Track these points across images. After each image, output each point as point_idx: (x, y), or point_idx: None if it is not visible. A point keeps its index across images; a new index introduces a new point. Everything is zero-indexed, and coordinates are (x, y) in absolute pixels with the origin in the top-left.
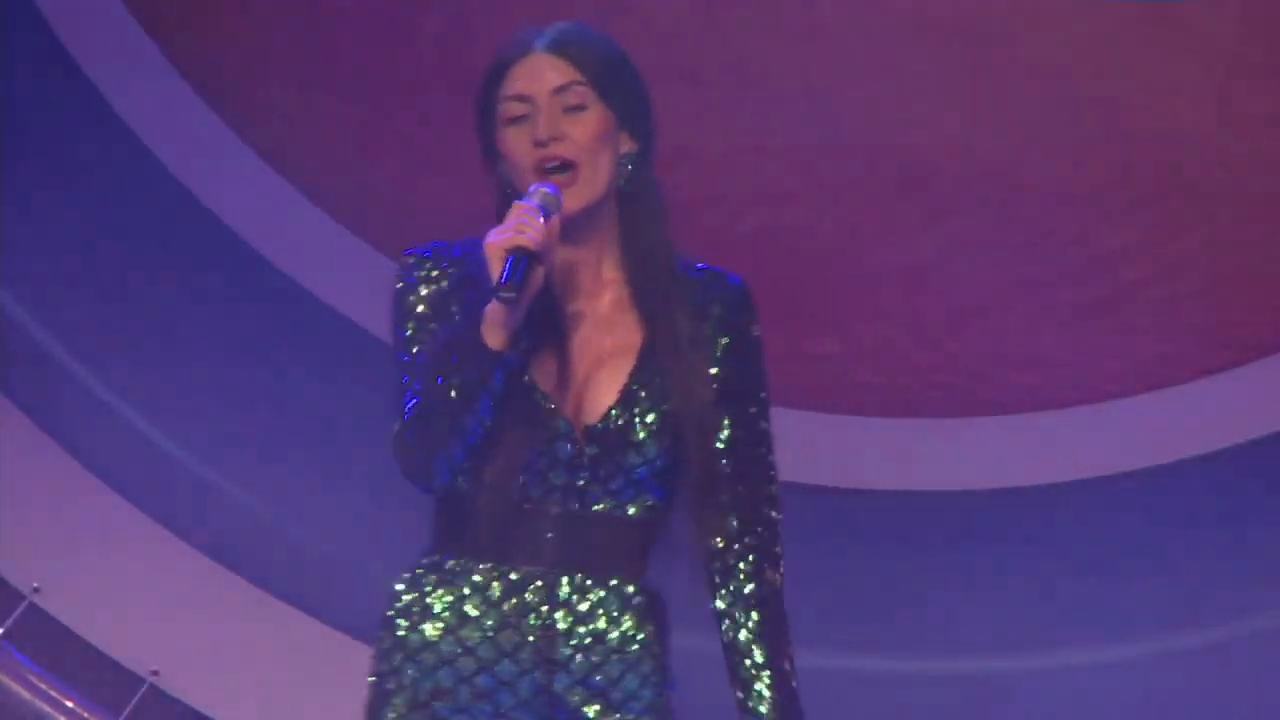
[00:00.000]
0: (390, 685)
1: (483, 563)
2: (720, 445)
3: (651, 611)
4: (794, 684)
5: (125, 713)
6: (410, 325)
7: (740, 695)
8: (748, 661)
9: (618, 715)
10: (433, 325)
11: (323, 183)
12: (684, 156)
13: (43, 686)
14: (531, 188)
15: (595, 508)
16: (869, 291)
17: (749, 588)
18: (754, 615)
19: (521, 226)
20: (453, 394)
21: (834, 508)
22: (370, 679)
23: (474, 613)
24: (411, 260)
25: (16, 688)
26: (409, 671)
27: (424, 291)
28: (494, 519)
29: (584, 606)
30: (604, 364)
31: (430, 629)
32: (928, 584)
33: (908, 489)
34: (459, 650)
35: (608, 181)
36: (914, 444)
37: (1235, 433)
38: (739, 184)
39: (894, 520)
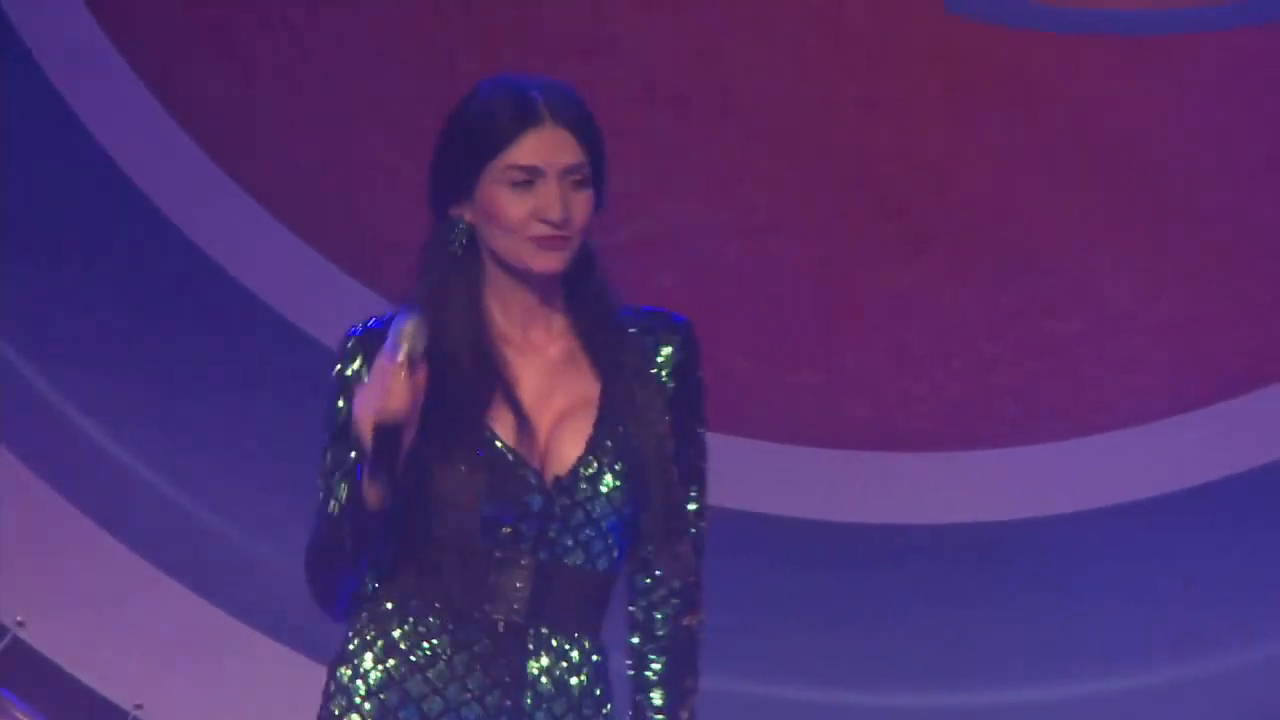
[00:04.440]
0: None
1: (450, 607)
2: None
3: (605, 668)
4: None
5: None
6: (332, 432)
7: None
8: (652, 702)
9: None
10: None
11: (315, 221)
12: (666, 187)
13: None
14: (397, 319)
15: (566, 560)
16: (852, 322)
17: (664, 631)
18: (665, 660)
19: (387, 394)
20: (337, 544)
21: (818, 541)
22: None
23: (443, 653)
24: (348, 347)
25: None
26: (368, 708)
27: (351, 391)
28: (464, 568)
29: (549, 658)
30: (565, 417)
31: (395, 663)
32: (914, 617)
33: (893, 523)
34: (427, 690)
35: (576, 254)
36: (899, 477)
37: (1222, 466)
38: (721, 215)
39: (880, 553)
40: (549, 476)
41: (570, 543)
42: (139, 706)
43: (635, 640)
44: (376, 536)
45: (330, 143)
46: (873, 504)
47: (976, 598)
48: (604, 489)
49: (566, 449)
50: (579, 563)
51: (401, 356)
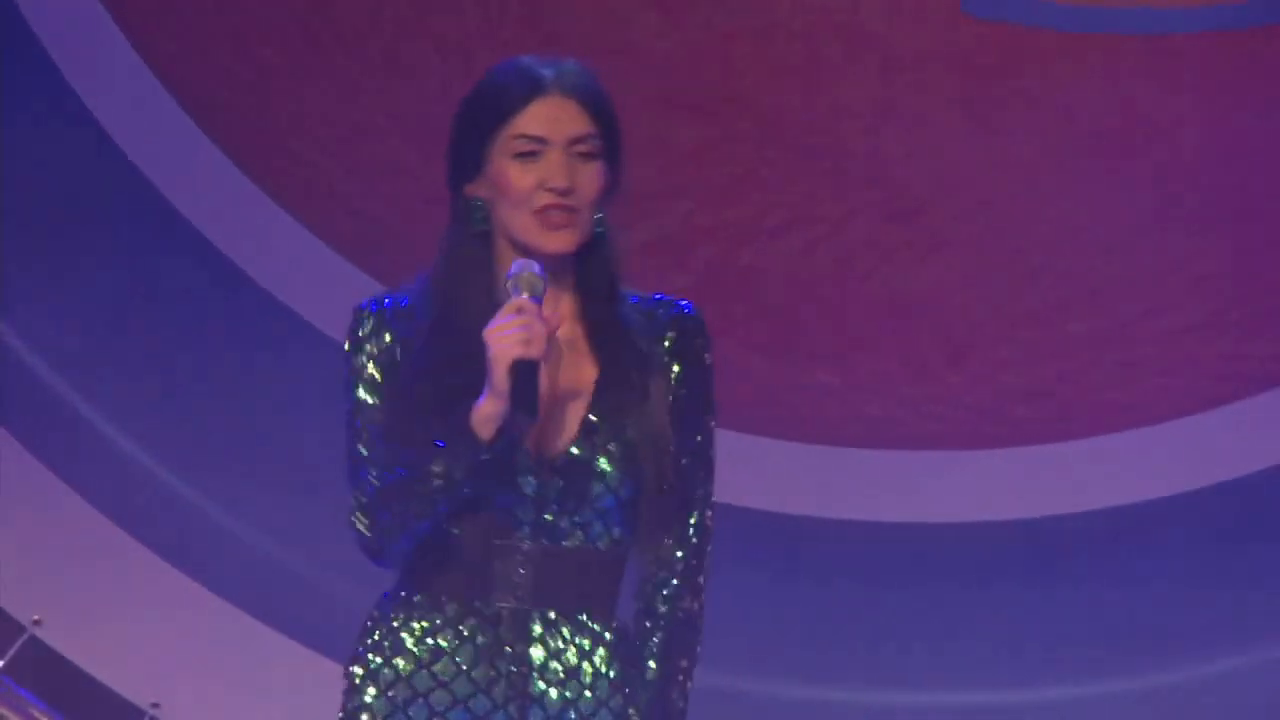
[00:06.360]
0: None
1: (454, 599)
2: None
3: (621, 648)
4: (678, 708)
5: None
6: (360, 389)
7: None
8: (645, 677)
9: None
10: (383, 391)
11: (330, 219)
12: (682, 189)
13: None
14: (516, 266)
15: (564, 542)
16: (867, 323)
17: (664, 609)
18: (662, 637)
19: (527, 337)
20: (436, 480)
21: (834, 540)
22: (339, 716)
23: (447, 647)
24: (361, 317)
25: None
26: (377, 705)
27: (374, 352)
28: (465, 557)
29: (557, 642)
30: (562, 399)
31: (403, 663)
32: (926, 617)
33: (907, 521)
34: (433, 685)
35: (592, 229)
36: (914, 476)
37: (1238, 466)
38: (736, 216)
39: (893, 553)
40: (544, 459)
41: (566, 525)
42: (156, 705)
43: (637, 617)
44: (483, 472)
45: (346, 143)
46: (889, 503)
47: (990, 597)
48: (597, 470)
49: (562, 431)
50: (578, 544)
51: (530, 291)
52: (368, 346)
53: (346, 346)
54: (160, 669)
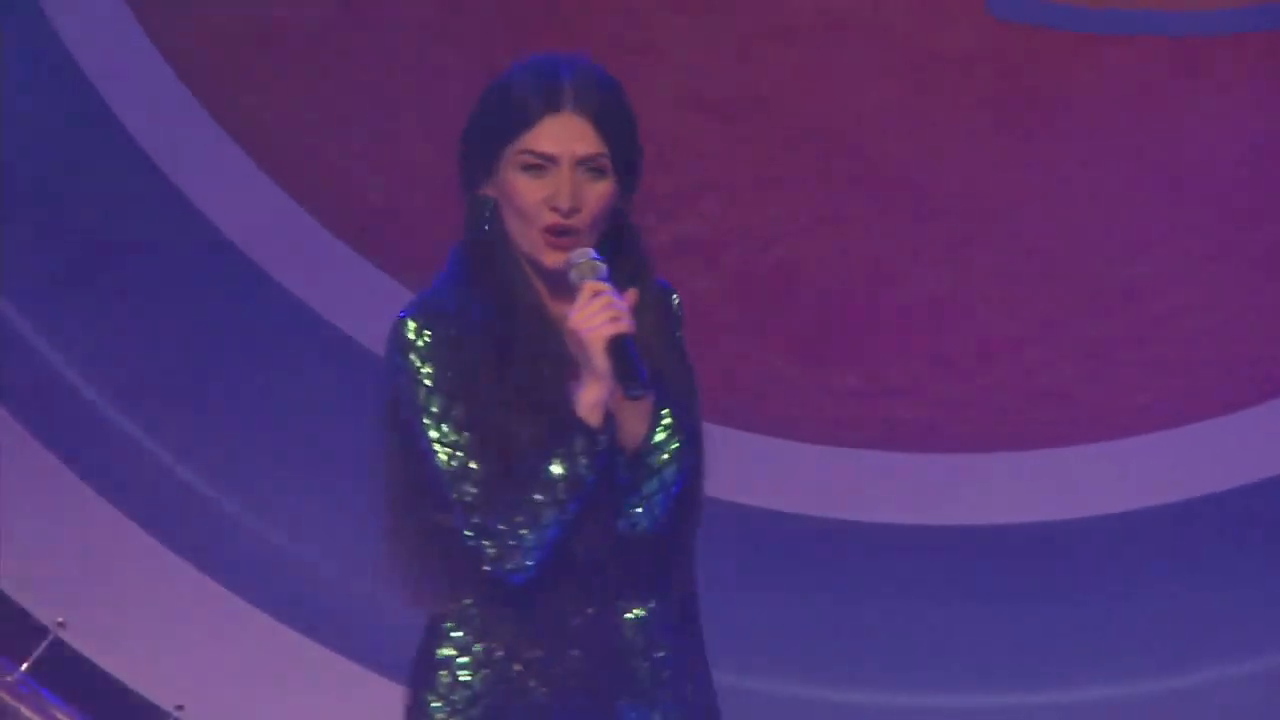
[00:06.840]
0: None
1: (539, 594)
2: None
3: (673, 628)
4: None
5: None
6: (437, 399)
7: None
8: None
9: None
10: (463, 394)
11: (354, 220)
12: (708, 190)
13: None
14: (575, 255)
15: (636, 528)
16: (891, 326)
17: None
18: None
19: (614, 313)
20: (560, 483)
21: (860, 542)
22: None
23: (539, 644)
24: (414, 326)
25: None
26: (475, 713)
27: (446, 359)
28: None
29: (632, 632)
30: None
31: (499, 660)
32: (927, 619)
33: (931, 524)
34: (531, 682)
35: (598, 240)
36: (937, 479)
37: (1260, 469)
38: (762, 217)
39: (917, 555)
40: (626, 449)
41: (642, 510)
42: (180, 708)
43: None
44: (601, 460)
45: (371, 145)
46: (912, 505)
47: (992, 599)
48: (671, 455)
49: (634, 422)
50: (647, 527)
51: (599, 274)
52: (435, 354)
53: (411, 358)
54: (184, 671)
